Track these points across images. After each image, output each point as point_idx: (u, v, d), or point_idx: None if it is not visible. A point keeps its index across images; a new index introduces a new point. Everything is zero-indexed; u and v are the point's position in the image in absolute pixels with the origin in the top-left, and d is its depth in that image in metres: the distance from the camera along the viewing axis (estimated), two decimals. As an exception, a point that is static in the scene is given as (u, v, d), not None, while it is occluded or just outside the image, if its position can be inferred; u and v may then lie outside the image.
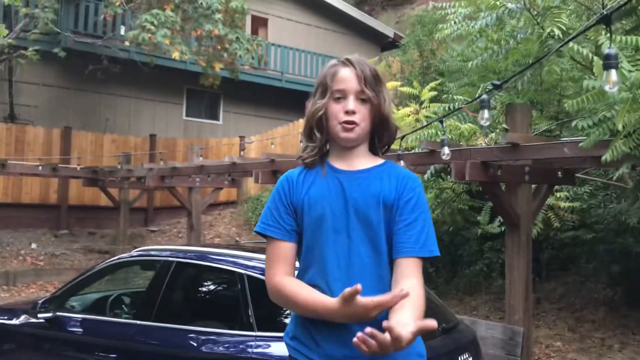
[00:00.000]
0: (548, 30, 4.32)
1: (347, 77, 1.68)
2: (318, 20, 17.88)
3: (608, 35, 3.82)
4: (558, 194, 6.16)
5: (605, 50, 2.48)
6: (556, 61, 4.87)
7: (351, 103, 1.66)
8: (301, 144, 1.80)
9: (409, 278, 1.56)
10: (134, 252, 3.96)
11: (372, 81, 1.68)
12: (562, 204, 6.10)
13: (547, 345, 6.27)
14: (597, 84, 3.65)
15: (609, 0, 4.63)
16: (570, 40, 3.45)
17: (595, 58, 3.57)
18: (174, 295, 3.52)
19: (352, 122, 1.66)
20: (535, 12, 4.79)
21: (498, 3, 4.66)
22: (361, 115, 1.67)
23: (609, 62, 2.39)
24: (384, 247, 1.63)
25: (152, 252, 3.93)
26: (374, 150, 1.77)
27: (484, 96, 3.25)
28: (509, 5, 4.57)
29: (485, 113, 3.16)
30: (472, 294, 8.13)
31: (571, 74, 5.61)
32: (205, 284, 3.76)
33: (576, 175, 5.44)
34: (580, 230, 6.70)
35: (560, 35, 4.34)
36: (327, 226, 1.64)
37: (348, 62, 1.70)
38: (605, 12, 2.65)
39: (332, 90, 1.69)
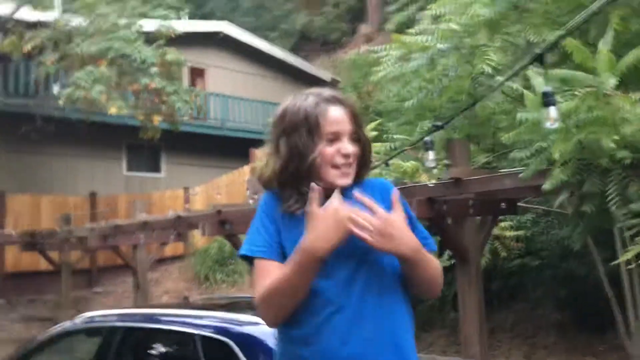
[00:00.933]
0: (478, 67, 4.47)
1: (340, 118, 1.54)
2: (255, 68, 18.06)
3: (536, 70, 4.00)
4: (502, 224, 6.30)
5: (543, 88, 2.57)
6: (489, 96, 5.03)
7: (349, 146, 1.54)
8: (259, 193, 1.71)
9: None
10: (77, 320, 3.76)
11: (359, 118, 1.59)
12: (507, 233, 6.23)
13: (506, 375, 6.30)
14: (529, 116, 3.79)
15: (534, 35, 4.85)
16: (508, 79, 3.59)
17: (526, 92, 3.71)
18: (123, 363, 3.35)
19: (348, 166, 1.54)
20: (464, 51, 4.97)
21: (428, 44, 4.80)
22: (354, 157, 1.56)
23: (548, 100, 2.48)
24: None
25: (97, 318, 3.74)
26: None
27: (427, 138, 3.31)
28: (440, 46, 4.72)
29: (430, 155, 3.22)
30: (428, 330, 8.13)
31: (503, 107, 5.82)
32: (157, 348, 3.59)
33: (518, 204, 5.58)
34: (526, 257, 6.85)
35: (490, 71, 4.50)
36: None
37: (336, 100, 1.57)
38: (538, 52, 2.76)
39: (325, 132, 1.53)
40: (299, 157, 1.54)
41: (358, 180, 1.61)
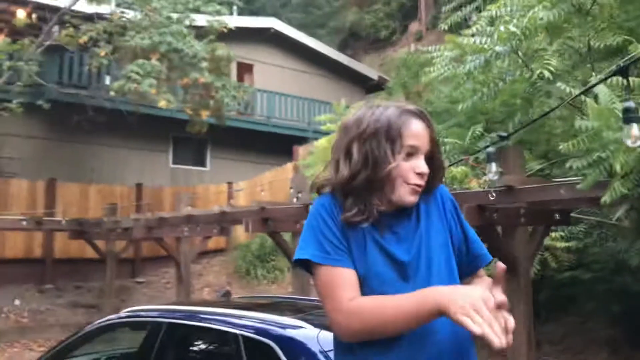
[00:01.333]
0: (538, 72, 4.31)
1: (421, 134, 1.49)
2: (303, 65, 18.06)
3: (597, 76, 3.83)
4: (553, 234, 6.09)
5: (625, 104, 2.43)
6: (546, 102, 4.86)
7: (424, 165, 1.48)
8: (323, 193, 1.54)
9: None
10: (122, 314, 3.79)
11: (437, 139, 1.53)
12: (559, 244, 6.02)
13: (551, 390, 6.10)
14: (589, 125, 3.63)
15: (594, 40, 4.66)
16: (588, 89, 3.43)
17: (589, 100, 3.55)
18: (165, 358, 3.35)
19: (421, 186, 1.49)
20: (522, 54, 4.81)
21: (486, 47, 4.66)
22: (426, 177, 1.50)
23: (630, 116, 2.32)
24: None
25: (142, 313, 3.77)
26: None
27: (490, 149, 3.18)
28: (497, 48, 4.58)
29: (493, 167, 3.10)
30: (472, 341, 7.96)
31: (559, 113, 5.63)
32: (199, 345, 3.59)
33: (572, 214, 5.38)
34: (578, 270, 6.61)
35: (550, 77, 4.33)
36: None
37: (421, 115, 1.50)
38: (622, 64, 2.62)
39: (404, 144, 1.47)
40: (374, 165, 1.46)
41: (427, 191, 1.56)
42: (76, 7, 10.89)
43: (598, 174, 3.71)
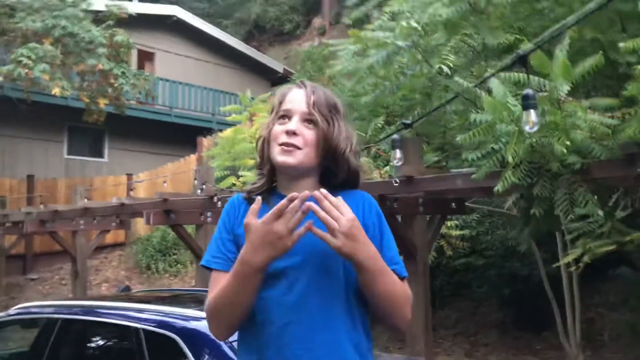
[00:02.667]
0: (437, 66, 4.48)
1: (296, 98, 1.50)
2: (207, 55, 17.73)
3: (491, 71, 4.04)
4: (449, 223, 6.38)
5: (524, 91, 2.56)
6: (444, 96, 5.07)
7: (293, 123, 1.46)
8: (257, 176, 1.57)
9: None
10: (11, 311, 3.57)
11: (325, 106, 1.48)
12: (453, 232, 6.32)
13: (447, 372, 6.40)
14: (484, 118, 3.82)
15: (490, 38, 4.90)
16: (487, 78, 3.60)
17: (484, 94, 3.73)
18: (60, 356, 3.19)
19: (292, 145, 1.45)
20: (422, 50, 4.98)
21: (388, 41, 4.78)
22: (305, 140, 1.45)
23: (528, 103, 2.46)
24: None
25: (33, 309, 3.56)
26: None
27: (395, 136, 3.28)
28: (398, 43, 4.70)
29: (398, 153, 3.19)
30: (371, 326, 8.18)
31: (454, 107, 5.88)
32: (97, 342, 3.45)
33: (466, 204, 5.66)
34: (471, 256, 6.97)
35: (448, 72, 4.52)
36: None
37: (302, 84, 1.53)
38: (521, 53, 2.75)
39: (278, 110, 1.51)
40: (260, 137, 1.54)
41: (339, 187, 1.51)
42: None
43: (492, 164, 3.92)
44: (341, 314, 1.44)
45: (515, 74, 3.83)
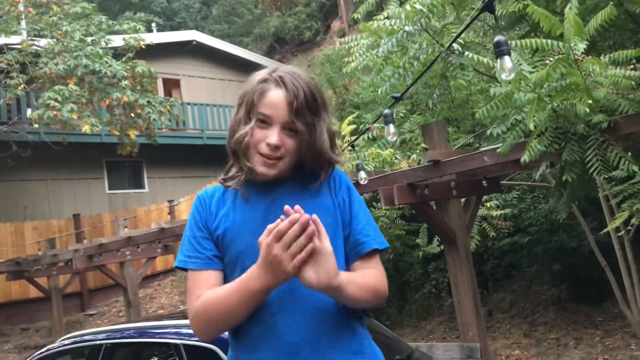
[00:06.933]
0: (446, 45, 4.39)
1: (276, 103, 1.40)
2: (230, 74, 17.94)
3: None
4: (488, 204, 6.23)
5: (496, 38, 2.48)
6: (461, 75, 4.96)
7: (275, 136, 1.39)
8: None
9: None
10: (59, 341, 3.64)
11: (306, 109, 1.40)
12: (494, 213, 6.16)
13: (507, 355, 6.23)
14: (502, 90, 3.72)
15: (498, 8, 4.78)
16: (457, 36, 3.53)
17: (496, 64, 3.63)
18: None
19: (275, 158, 1.41)
20: (433, 32, 4.89)
21: (396, 27, 4.72)
22: (286, 149, 1.40)
23: (501, 49, 2.39)
24: None
25: (85, 337, 3.63)
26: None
27: (387, 111, 3.22)
28: (407, 28, 4.63)
29: (391, 128, 3.13)
30: (426, 318, 8.06)
31: (478, 87, 5.76)
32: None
33: (501, 182, 5.51)
34: (516, 235, 6.79)
35: (460, 49, 4.43)
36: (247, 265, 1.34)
37: (281, 82, 1.40)
38: None
39: (257, 112, 1.42)
40: (231, 133, 1.47)
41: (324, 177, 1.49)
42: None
43: (515, 136, 3.81)
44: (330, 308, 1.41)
45: (531, 40, 3.72)
